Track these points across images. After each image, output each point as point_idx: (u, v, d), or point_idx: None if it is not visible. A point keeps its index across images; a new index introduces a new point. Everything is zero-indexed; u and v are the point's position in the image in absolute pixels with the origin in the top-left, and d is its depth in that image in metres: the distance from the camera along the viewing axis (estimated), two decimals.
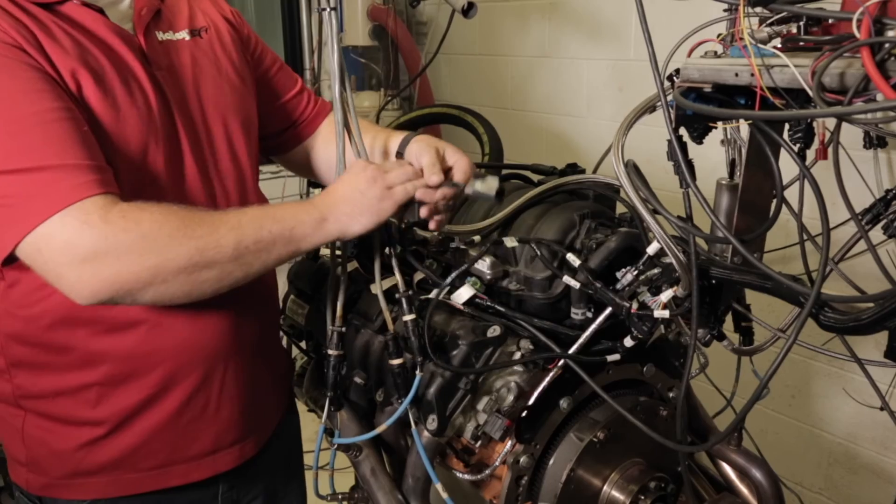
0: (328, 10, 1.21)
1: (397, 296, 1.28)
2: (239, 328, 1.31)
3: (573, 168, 1.54)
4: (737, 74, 0.94)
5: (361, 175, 1.19)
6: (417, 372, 1.24)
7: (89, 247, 1.02)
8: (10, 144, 1.03)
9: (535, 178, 1.62)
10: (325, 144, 1.53)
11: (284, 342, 1.63)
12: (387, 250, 1.47)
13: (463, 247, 1.40)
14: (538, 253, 1.31)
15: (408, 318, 1.25)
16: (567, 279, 1.27)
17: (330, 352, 1.34)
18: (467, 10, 1.95)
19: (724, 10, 1.53)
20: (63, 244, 1.02)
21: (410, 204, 1.24)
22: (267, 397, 1.44)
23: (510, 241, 1.33)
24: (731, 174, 1.21)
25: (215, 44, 1.36)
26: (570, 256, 1.29)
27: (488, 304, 1.32)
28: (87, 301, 1.06)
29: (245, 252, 1.10)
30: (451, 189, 1.26)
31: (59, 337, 1.21)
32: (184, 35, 1.31)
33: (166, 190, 1.20)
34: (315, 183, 1.66)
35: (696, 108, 0.97)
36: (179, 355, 1.26)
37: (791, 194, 1.19)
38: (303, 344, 1.65)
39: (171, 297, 1.10)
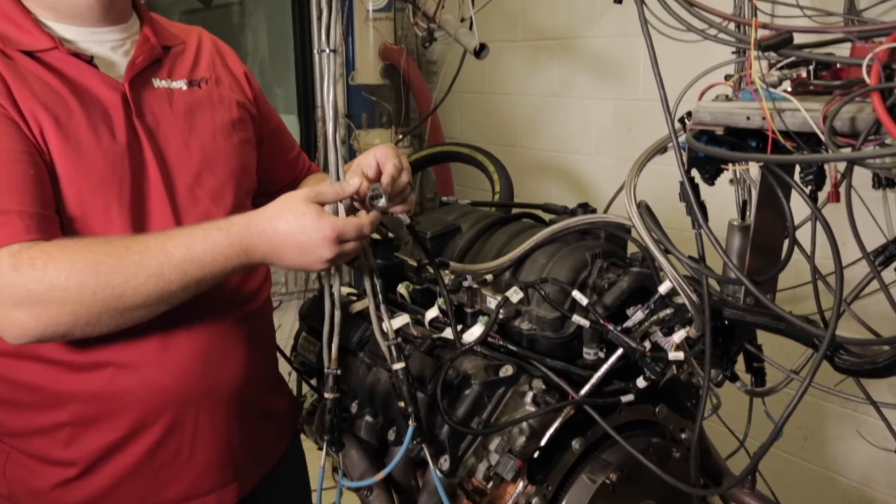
0: (327, 52, 1.23)
1: (386, 343, 1.26)
2: (213, 371, 1.30)
3: (584, 208, 1.55)
4: (748, 118, 0.96)
5: (312, 236, 1.14)
6: (410, 422, 1.22)
7: (4, 294, 1.06)
8: None
9: (547, 217, 1.63)
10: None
11: (292, 379, 1.62)
12: (398, 288, 1.49)
13: (475, 286, 1.40)
14: (543, 295, 1.32)
15: (397, 366, 1.24)
16: (578, 319, 1.27)
17: (326, 395, 1.32)
18: (479, 52, 1.98)
19: (733, 53, 1.56)
20: None
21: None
22: (254, 440, 1.41)
23: (515, 295, 1.33)
24: (743, 215, 1.22)
25: (214, 95, 1.38)
26: (577, 294, 1.29)
27: (500, 343, 1.32)
28: (16, 341, 1.10)
29: (170, 297, 1.12)
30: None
31: (27, 375, 1.22)
32: (181, 84, 1.34)
33: (131, 230, 1.21)
34: None
35: (709, 151, 0.98)
36: (149, 398, 1.25)
37: (803, 234, 1.20)
38: (313, 381, 1.65)
39: (102, 332, 1.13)
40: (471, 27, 2.05)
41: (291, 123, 3.64)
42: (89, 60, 1.23)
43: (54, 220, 1.14)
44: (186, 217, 1.27)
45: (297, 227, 1.14)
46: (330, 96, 1.20)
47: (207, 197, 1.31)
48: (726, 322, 1.18)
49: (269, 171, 1.51)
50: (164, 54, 1.34)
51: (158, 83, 1.31)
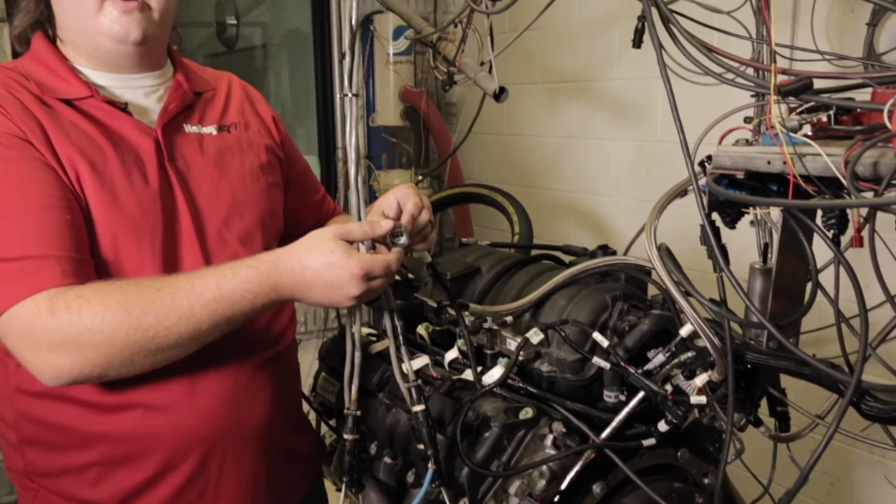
0: (350, 96, 1.25)
1: (406, 385, 1.26)
2: (240, 412, 1.31)
3: (604, 249, 1.55)
4: (769, 162, 0.96)
5: (340, 273, 1.15)
6: (430, 465, 1.21)
7: (41, 338, 1.09)
8: None
9: (567, 258, 1.63)
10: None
11: (312, 418, 1.62)
12: (418, 330, 1.49)
13: (495, 327, 1.40)
14: (564, 336, 1.31)
15: (417, 408, 1.23)
16: (598, 361, 1.26)
17: (346, 436, 1.31)
18: (499, 95, 2.01)
19: (752, 96, 1.57)
20: (20, 333, 1.10)
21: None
22: (279, 481, 1.42)
23: (535, 336, 1.33)
24: (765, 257, 1.21)
25: (243, 139, 1.41)
26: (598, 336, 1.29)
27: (520, 385, 1.32)
28: (52, 384, 1.12)
29: (201, 336, 1.14)
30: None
31: (58, 416, 1.24)
32: (211, 129, 1.37)
33: (163, 272, 1.23)
34: None
35: (730, 195, 0.99)
36: (177, 439, 1.26)
37: (826, 276, 1.19)
38: (333, 422, 1.64)
39: (135, 372, 1.15)
40: (490, 70, 2.08)
41: (312, 164, 3.66)
42: (123, 108, 1.26)
43: (89, 264, 1.16)
44: (216, 259, 1.29)
45: (325, 265, 1.15)
46: (353, 139, 1.22)
47: (236, 240, 1.33)
48: (749, 366, 1.17)
49: (294, 214, 1.53)
50: (196, 100, 1.38)
51: (190, 128, 1.34)
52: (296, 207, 1.54)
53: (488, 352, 1.42)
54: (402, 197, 1.32)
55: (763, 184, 1.04)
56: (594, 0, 2.94)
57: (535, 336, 1.33)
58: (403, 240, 1.24)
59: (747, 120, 1.36)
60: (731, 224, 1.12)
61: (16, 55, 2.82)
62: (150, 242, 1.23)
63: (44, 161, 1.16)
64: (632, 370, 1.24)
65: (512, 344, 1.35)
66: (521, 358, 1.32)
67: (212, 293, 1.13)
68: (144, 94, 1.32)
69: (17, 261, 1.10)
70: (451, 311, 1.46)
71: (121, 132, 1.25)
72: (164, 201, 1.26)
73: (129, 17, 1.23)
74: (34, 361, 1.11)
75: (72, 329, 1.07)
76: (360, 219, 1.27)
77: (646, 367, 1.25)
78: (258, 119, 1.48)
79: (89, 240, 1.18)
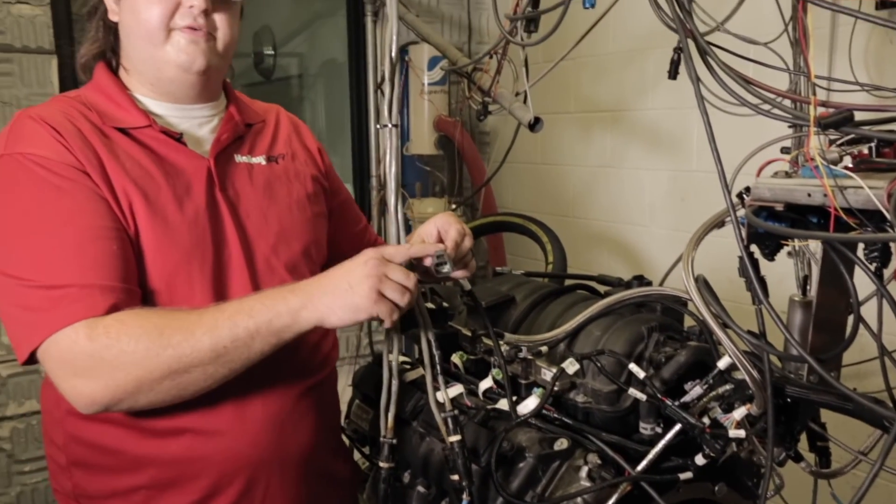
0: (389, 126, 1.27)
1: (442, 415, 1.26)
2: (285, 437, 1.33)
3: (640, 280, 1.55)
4: (809, 195, 0.95)
5: (359, 269, 1.17)
6: (465, 496, 1.20)
7: (77, 364, 1.11)
8: (46, 259, 1.15)
9: (602, 288, 1.63)
10: None
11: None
12: (452, 358, 1.49)
13: (530, 357, 1.40)
14: (600, 367, 1.30)
15: (453, 439, 1.23)
16: (634, 392, 1.25)
17: (381, 464, 1.32)
18: (534, 125, 2.02)
19: (789, 127, 1.56)
20: (58, 359, 1.13)
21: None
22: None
23: (571, 366, 1.32)
24: (804, 290, 1.20)
25: (290, 170, 1.45)
26: (634, 367, 1.28)
27: (555, 416, 1.31)
28: (86, 410, 1.15)
29: (223, 352, 1.14)
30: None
31: (108, 439, 1.26)
32: (260, 160, 1.41)
33: (213, 300, 1.25)
34: None
35: (770, 228, 0.98)
36: (224, 463, 1.28)
37: (867, 309, 1.17)
38: (366, 449, 1.64)
39: (161, 401, 1.16)
40: (525, 101, 2.09)
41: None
42: (178, 138, 1.30)
43: (136, 294, 1.19)
44: (264, 286, 1.30)
45: (344, 269, 1.19)
46: (392, 169, 1.23)
47: (283, 267, 1.35)
48: (789, 400, 1.15)
49: (336, 243, 1.55)
50: (246, 131, 1.42)
51: (240, 158, 1.38)
52: (338, 236, 1.56)
53: (523, 381, 1.41)
54: (442, 225, 1.34)
55: (803, 216, 1.03)
56: (628, 31, 2.95)
57: (570, 366, 1.32)
58: (447, 268, 1.25)
59: (784, 151, 1.35)
60: (770, 256, 1.11)
61: (63, 86, 2.91)
62: (201, 270, 1.26)
63: (97, 192, 1.19)
64: (669, 402, 1.22)
65: (547, 374, 1.35)
66: (556, 388, 1.32)
67: (234, 306, 1.16)
68: (199, 124, 1.36)
69: (61, 288, 1.13)
70: (486, 341, 1.46)
71: (174, 161, 1.29)
72: (214, 229, 1.29)
73: (195, 47, 1.27)
74: (69, 388, 1.14)
75: (108, 352, 1.10)
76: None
77: (683, 399, 1.24)
78: (305, 150, 1.52)
79: (140, 269, 1.21)
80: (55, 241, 1.15)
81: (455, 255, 1.31)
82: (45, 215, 1.16)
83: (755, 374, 1.10)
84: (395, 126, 1.24)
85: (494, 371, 1.40)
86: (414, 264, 1.26)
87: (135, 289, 1.20)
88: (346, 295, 1.16)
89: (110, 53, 1.36)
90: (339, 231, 1.57)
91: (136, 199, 1.22)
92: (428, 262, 1.28)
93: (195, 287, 1.25)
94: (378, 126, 3.34)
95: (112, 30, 1.34)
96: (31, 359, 1.15)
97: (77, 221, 1.17)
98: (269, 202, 1.37)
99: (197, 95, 1.35)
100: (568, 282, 1.70)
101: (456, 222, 1.36)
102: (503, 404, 1.34)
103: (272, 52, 4.28)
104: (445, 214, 1.39)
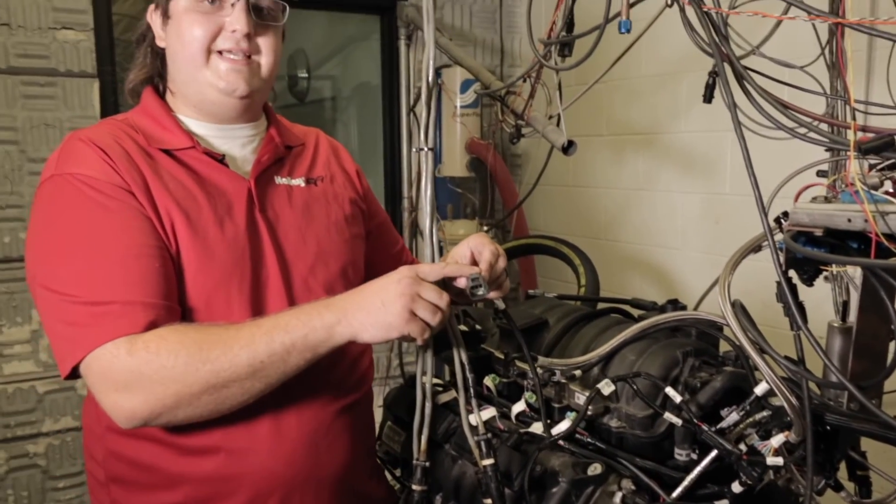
0: (426, 150, 1.28)
1: (475, 438, 1.26)
2: (320, 457, 1.34)
3: (674, 304, 1.53)
4: (850, 220, 0.94)
5: (392, 286, 1.18)
6: None
7: (118, 379, 1.13)
8: (90, 276, 1.17)
9: (635, 312, 1.62)
10: None
11: None
12: (485, 381, 1.49)
13: (564, 381, 1.39)
14: (635, 390, 1.29)
15: (486, 462, 1.23)
16: (670, 417, 1.24)
17: (414, 487, 1.32)
18: (567, 148, 2.02)
19: (826, 150, 1.54)
20: (99, 374, 1.15)
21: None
22: None
23: (606, 387, 1.32)
24: (843, 316, 1.18)
25: (328, 192, 1.47)
26: (671, 392, 1.26)
27: (588, 440, 1.30)
28: (125, 425, 1.17)
29: (260, 367, 1.16)
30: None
31: (145, 455, 1.28)
32: (300, 182, 1.43)
33: (249, 316, 1.27)
34: None
35: (810, 254, 0.97)
36: (259, 482, 1.29)
37: None
38: (397, 471, 1.64)
39: (199, 415, 1.18)
40: (558, 124, 2.10)
41: None
42: (220, 159, 1.34)
43: (176, 311, 1.21)
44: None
45: (378, 285, 1.20)
46: (427, 192, 1.24)
47: (321, 288, 1.37)
48: (829, 428, 1.13)
49: (374, 264, 1.56)
50: (286, 153, 1.45)
51: (280, 180, 1.40)
52: (375, 258, 1.58)
53: (556, 405, 1.41)
54: (476, 246, 1.34)
55: (842, 240, 1.02)
56: (661, 54, 2.95)
57: (606, 387, 1.31)
58: (482, 290, 1.26)
59: (821, 173, 1.34)
60: (809, 282, 1.10)
61: (104, 109, 2.98)
62: (239, 289, 1.28)
63: (142, 211, 1.22)
64: (705, 427, 1.21)
65: (580, 398, 1.34)
66: (590, 411, 1.31)
67: (270, 322, 1.18)
68: (241, 144, 1.39)
69: (104, 305, 1.15)
70: (519, 364, 1.46)
71: (216, 182, 1.32)
72: (253, 250, 1.31)
73: (236, 75, 1.31)
74: (110, 403, 1.16)
75: (148, 367, 1.12)
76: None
77: (719, 426, 1.23)
78: (343, 172, 1.54)
79: (180, 287, 1.24)
80: (100, 259, 1.18)
81: (489, 277, 1.32)
82: (91, 233, 1.19)
83: (794, 400, 1.09)
84: (431, 150, 1.26)
85: (527, 394, 1.40)
86: (448, 285, 1.27)
87: (175, 306, 1.22)
88: (379, 312, 1.17)
89: (157, 78, 1.40)
90: (376, 253, 1.59)
91: (178, 218, 1.25)
92: (462, 283, 1.28)
93: (233, 306, 1.27)
94: (414, 149, 3.37)
95: (159, 55, 1.38)
96: (73, 373, 1.18)
97: (122, 239, 1.20)
98: (308, 223, 1.40)
99: (238, 116, 1.38)
100: (601, 305, 1.69)
101: (489, 243, 1.37)
102: (536, 427, 1.34)
103: (306, 75, 4.34)
104: (479, 235, 1.40)
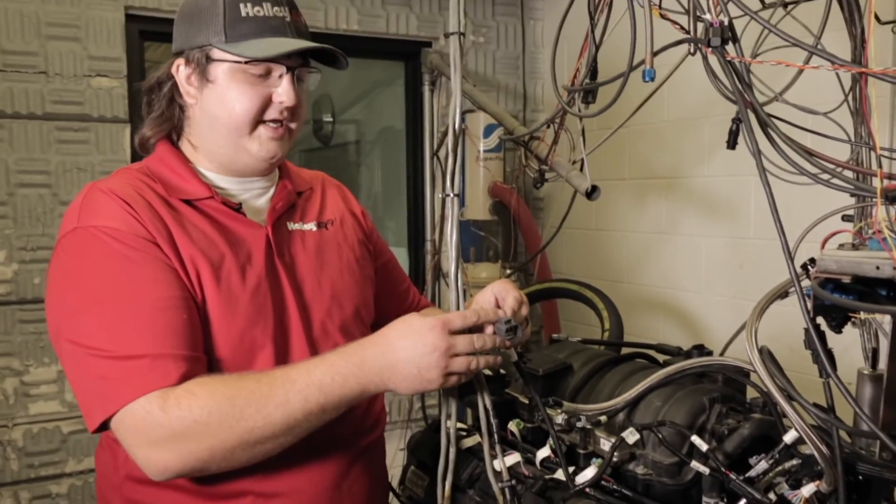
0: (451, 196, 1.30)
1: (500, 485, 1.26)
2: (341, 498, 1.36)
3: (700, 349, 1.53)
4: (878, 267, 0.94)
5: (427, 355, 1.18)
6: None
7: (151, 435, 1.13)
8: (119, 330, 1.17)
9: (660, 357, 1.61)
10: None
11: None
12: (509, 426, 1.48)
13: (589, 426, 1.38)
14: (661, 438, 1.28)
15: None
16: (697, 466, 1.23)
17: None
18: (591, 193, 2.03)
19: (852, 196, 1.54)
20: (132, 429, 1.15)
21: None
22: None
23: (631, 436, 1.31)
24: (874, 363, 1.17)
25: (339, 235, 1.49)
26: (697, 440, 1.25)
27: (614, 487, 1.29)
28: (158, 478, 1.17)
29: (295, 424, 1.17)
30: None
31: (169, 501, 1.28)
32: (311, 226, 1.46)
33: (275, 364, 1.29)
34: None
35: (839, 301, 0.97)
36: None
37: None
38: None
39: (231, 467, 1.19)
40: (581, 168, 2.11)
41: (402, 256, 3.77)
42: (238, 208, 1.35)
43: (202, 361, 1.23)
44: (321, 349, 1.35)
45: (413, 344, 1.19)
46: (453, 238, 1.26)
47: (337, 330, 1.39)
48: (860, 477, 1.12)
49: (380, 302, 1.58)
50: (297, 199, 1.47)
51: (293, 226, 1.43)
52: (382, 297, 1.60)
53: (581, 451, 1.39)
54: (500, 292, 1.35)
55: (870, 287, 1.01)
56: (684, 99, 2.97)
57: (630, 436, 1.30)
58: (519, 333, 1.29)
59: (846, 218, 1.33)
60: (838, 329, 1.09)
61: (135, 153, 3.04)
62: (263, 335, 1.29)
63: (167, 262, 1.23)
64: (733, 476, 1.19)
65: (606, 444, 1.33)
66: (615, 458, 1.30)
67: (304, 379, 1.17)
68: (257, 195, 1.42)
69: (134, 359, 1.15)
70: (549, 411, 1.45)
71: (235, 230, 1.34)
72: (274, 296, 1.33)
73: (276, 142, 1.33)
74: (142, 456, 1.16)
75: (181, 424, 1.12)
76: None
77: (748, 474, 1.21)
78: (351, 214, 1.57)
79: (206, 335, 1.25)
80: (128, 312, 1.18)
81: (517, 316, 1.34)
82: (118, 286, 1.20)
83: (824, 449, 1.07)
84: (457, 196, 1.27)
85: (551, 440, 1.39)
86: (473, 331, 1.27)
87: (202, 356, 1.23)
88: (416, 379, 1.19)
89: (173, 131, 1.40)
90: (383, 291, 1.61)
91: (203, 267, 1.26)
92: (489, 329, 1.29)
93: (258, 352, 1.29)
94: (439, 195, 3.40)
95: (179, 107, 1.37)
96: (102, 426, 1.17)
97: (148, 292, 1.20)
98: (321, 267, 1.42)
99: (260, 173, 1.41)
100: (625, 350, 1.69)
101: (513, 289, 1.38)
102: (561, 474, 1.32)
103: (331, 120, 4.41)
104: (502, 282, 1.41)
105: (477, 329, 1.26)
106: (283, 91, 1.30)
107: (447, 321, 1.21)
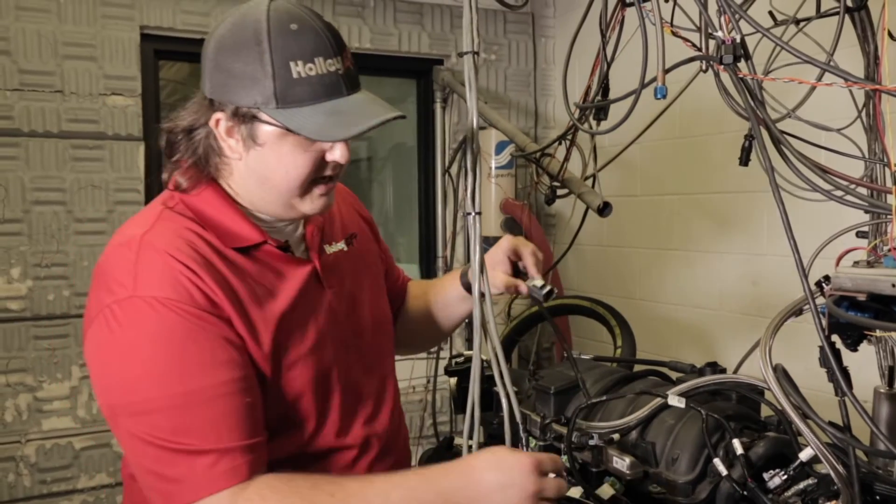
0: (473, 214, 1.30)
1: None
2: None
3: (713, 367, 1.52)
4: (894, 285, 0.93)
5: (513, 493, 1.13)
6: None
7: None
8: (180, 419, 1.11)
9: (673, 374, 1.60)
10: (414, 300, 1.66)
11: None
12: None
13: (602, 444, 1.38)
14: (675, 457, 1.27)
15: None
16: (720, 469, 1.21)
17: None
18: (603, 209, 2.03)
19: (866, 212, 1.53)
20: None
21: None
22: None
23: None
24: (890, 382, 1.16)
25: (363, 251, 1.47)
26: (718, 463, 1.24)
27: None
28: None
29: None
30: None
31: None
32: (342, 245, 1.41)
33: (340, 399, 1.30)
34: None
35: (854, 319, 0.96)
36: None
37: None
38: None
39: None
40: (593, 185, 2.11)
41: (413, 272, 3.78)
42: (286, 248, 1.29)
43: (265, 445, 1.17)
44: (376, 368, 1.39)
45: (502, 483, 1.14)
46: (477, 255, 1.26)
47: (385, 341, 1.43)
48: (878, 497, 1.10)
49: (392, 298, 1.59)
50: (324, 220, 1.40)
51: (329, 249, 1.37)
52: (392, 288, 1.62)
53: (594, 469, 1.39)
54: (512, 251, 1.48)
55: (886, 305, 1.01)
56: (695, 115, 2.97)
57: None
58: (549, 287, 1.43)
59: (861, 235, 1.33)
60: (853, 347, 1.08)
61: (148, 171, 3.05)
62: (329, 376, 1.29)
63: (230, 338, 1.16)
64: (753, 484, 1.18)
65: (619, 462, 1.32)
66: (629, 476, 1.29)
67: (381, 500, 1.12)
68: (293, 228, 1.34)
69: (201, 454, 1.10)
70: (556, 427, 1.45)
71: (288, 272, 1.27)
72: (334, 338, 1.31)
73: (326, 199, 1.26)
74: None
75: None
76: (483, 333, 1.27)
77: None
78: (363, 220, 1.55)
79: (280, 388, 1.22)
80: (191, 399, 1.11)
81: (540, 271, 1.46)
82: (180, 369, 1.12)
83: (840, 468, 1.06)
84: (479, 214, 1.28)
85: (565, 458, 1.38)
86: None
87: (265, 438, 1.18)
88: None
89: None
90: (393, 283, 1.62)
91: (270, 325, 1.21)
92: (523, 289, 1.46)
93: (321, 402, 1.27)
94: (461, 213, 3.40)
95: (218, 155, 1.24)
96: None
97: (212, 376, 1.13)
98: (360, 289, 1.41)
99: None
100: (638, 367, 1.68)
101: (523, 244, 1.48)
102: (574, 492, 1.32)
103: None
104: (509, 240, 1.51)
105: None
106: (339, 154, 1.20)
107: (539, 462, 1.16)
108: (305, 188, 1.22)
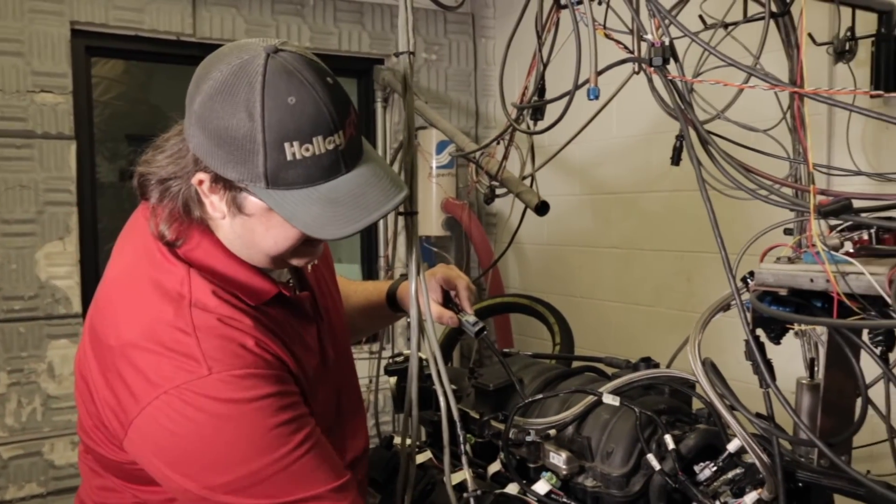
0: (410, 214, 1.31)
1: (465, 495, 1.27)
2: None
3: (647, 362, 1.55)
4: (812, 280, 0.97)
5: None
6: None
7: None
8: (284, 478, 1.08)
9: (609, 370, 1.63)
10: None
11: None
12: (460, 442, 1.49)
13: (539, 440, 1.39)
14: (609, 451, 1.30)
15: None
16: (654, 464, 1.24)
17: None
18: (540, 209, 2.06)
19: (792, 210, 1.59)
20: None
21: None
22: None
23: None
24: (811, 373, 1.20)
25: (325, 258, 1.45)
26: (651, 458, 1.27)
27: (564, 500, 1.30)
28: None
29: None
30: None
31: None
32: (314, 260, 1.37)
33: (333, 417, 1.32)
34: None
35: (775, 314, 1.00)
36: None
37: (876, 392, 1.18)
38: None
39: None
40: (531, 184, 2.14)
41: (354, 272, 3.76)
42: (288, 283, 1.28)
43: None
44: (349, 376, 1.42)
45: None
46: (413, 255, 1.26)
47: (351, 364, 1.43)
48: (801, 484, 1.15)
49: None
50: None
51: (308, 269, 1.35)
52: None
53: (531, 465, 1.40)
54: (446, 282, 1.48)
55: (807, 300, 1.05)
56: (632, 116, 3.03)
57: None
58: (485, 330, 1.47)
59: (787, 231, 1.38)
60: (776, 340, 1.12)
61: (80, 170, 2.93)
62: (336, 404, 1.33)
63: (297, 392, 1.16)
64: (684, 478, 1.21)
65: (555, 457, 1.34)
66: (564, 471, 1.31)
67: None
68: None
69: (322, 498, 1.11)
70: (494, 424, 1.46)
71: (298, 313, 1.25)
72: (339, 367, 1.35)
73: (317, 249, 1.21)
74: None
75: None
76: (419, 332, 1.31)
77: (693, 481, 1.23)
78: None
79: None
80: (296, 459, 1.09)
81: (471, 305, 1.48)
82: (289, 434, 1.10)
83: (765, 457, 1.10)
84: (415, 213, 1.28)
85: (502, 454, 1.40)
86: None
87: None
88: None
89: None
90: None
91: (304, 371, 1.22)
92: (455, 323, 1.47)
93: (326, 410, 1.29)
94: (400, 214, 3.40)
95: (198, 206, 1.13)
96: None
97: (302, 433, 1.11)
98: (332, 302, 1.40)
99: None
100: (575, 363, 1.70)
101: (457, 276, 1.48)
102: (512, 488, 1.33)
103: None
104: (443, 270, 1.50)
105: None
106: (316, 250, 1.21)
107: None
108: (296, 251, 1.15)
